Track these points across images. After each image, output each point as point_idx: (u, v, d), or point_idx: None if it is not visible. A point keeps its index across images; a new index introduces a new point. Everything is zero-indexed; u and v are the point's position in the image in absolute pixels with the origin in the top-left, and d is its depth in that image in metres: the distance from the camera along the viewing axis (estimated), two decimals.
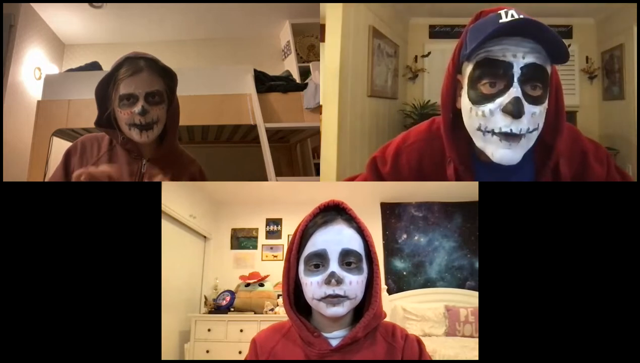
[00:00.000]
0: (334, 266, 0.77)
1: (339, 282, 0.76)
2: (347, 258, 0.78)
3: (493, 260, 1.07)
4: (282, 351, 0.83)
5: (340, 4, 2.74)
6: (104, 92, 1.30)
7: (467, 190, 3.48)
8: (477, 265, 3.58)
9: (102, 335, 1.05)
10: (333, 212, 0.83)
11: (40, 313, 1.05)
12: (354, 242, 0.80)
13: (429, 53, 4.29)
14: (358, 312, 0.83)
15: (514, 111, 0.86)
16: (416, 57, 4.35)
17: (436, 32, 4.34)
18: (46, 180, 1.38)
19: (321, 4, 2.85)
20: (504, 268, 1.06)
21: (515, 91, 0.87)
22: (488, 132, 0.90)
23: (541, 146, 0.98)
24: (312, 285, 0.78)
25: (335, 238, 0.79)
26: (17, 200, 1.09)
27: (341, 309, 0.77)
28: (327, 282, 0.76)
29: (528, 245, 1.06)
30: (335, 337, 0.81)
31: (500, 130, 0.88)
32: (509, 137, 0.88)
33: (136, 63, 1.28)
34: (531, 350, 1.03)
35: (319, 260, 0.78)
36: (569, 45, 4.17)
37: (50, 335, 1.04)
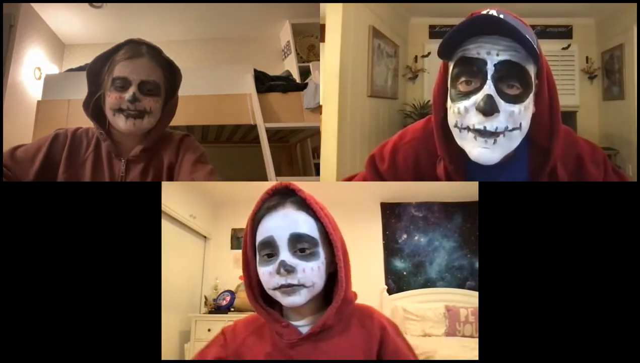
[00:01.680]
0: (284, 254, 0.74)
1: (290, 271, 0.73)
2: (300, 244, 0.74)
3: (493, 260, 1.07)
4: (251, 344, 0.81)
5: (340, 4, 2.74)
6: (98, 71, 1.20)
7: (467, 190, 3.48)
8: (477, 265, 3.58)
9: (102, 335, 1.05)
10: (283, 195, 0.78)
11: (40, 313, 1.05)
12: (305, 226, 0.75)
13: (429, 53, 4.29)
14: (328, 296, 0.79)
15: (486, 109, 0.86)
16: (416, 57, 4.35)
17: (436, 32, 4.34)
18: (19, 150, 1.22)
19: (321, 4, 2.85)
20: (504, 268, 1.06)
21: (488, 88, 0.87)
22: (464, 129, 0.90)
23: (535, 148, 0.98)
24: (265, 276, 0.75)
25: (282, 223, 0.75)
26: (17, 200, 1.09)
27: (298, 298, 0.74)
28: (278, 271, 0.73)
29: (528, 245, 1.06)
30: (305, 324, 0.79)
31: (474, 126, 0.88)
32: (484, 134, 0.88)
33: (137, 47, 1.18)
34: (531, 350, 1.03)
35: (270, 249, 0.75)
36: (569, 46, 4.17)
37: (51, 335, 1.04)
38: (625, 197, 1.05)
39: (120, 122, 1.16)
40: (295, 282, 0.73)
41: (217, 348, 0.83)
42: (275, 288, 0.75)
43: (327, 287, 0.79)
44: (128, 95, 1.14)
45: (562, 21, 4.20)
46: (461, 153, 0.97)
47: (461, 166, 0.99)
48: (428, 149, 1.05)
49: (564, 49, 4.16)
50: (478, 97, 0.87)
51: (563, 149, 0.99)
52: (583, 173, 1.02)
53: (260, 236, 0.77)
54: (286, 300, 0.74)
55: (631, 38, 3.58)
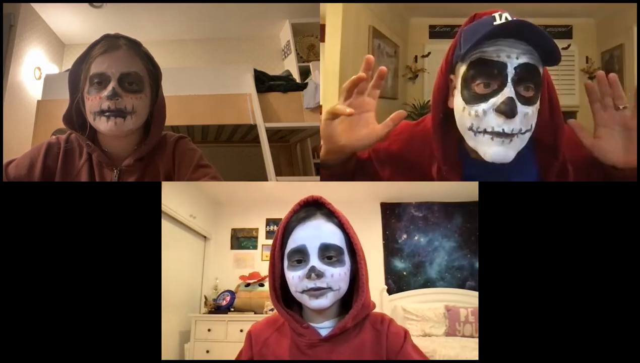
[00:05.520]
0: (314, 261, 0.79)
1: (319, 275, 0.78)
2: (327, 253, 0.80)
3: (493, 260, 1.07)
4: (274, 342, 0.87)
5: (340, 4, 2.74)
6: (77, 74, 1.12)
7: (467, 190, 3.48)
8: (477, 265, 3.58)
9: (102, 334, 1.05)
10: (312, 207, 0.85)
11: (40, 313, 1.05)
12: (333, 236, 0.82)
13: (429, 53, 4.29)
14: (345, 303, 0.85)
15: (507, 111, 0.87)
16: (416, 57, 4.36)
17: (436, 32, 4.35)
18: (12, 166, 1.15)
19: (321, 4, 2.85)
20: (504, 268, 1.06)
21: (508, 91, 0.88)
22: (480, 132, 0.90)
23: (541, 146, 0.99)
24: (294, 279, 0.80)
25: (313, 233, 0.81)
26: (17, 200, 1.09)
27: (324, 301, 0.79)
28: (308, 276, 0.79)
29: (528, 245, 1.06)
30: (324, 327, 0.84)
31: (492, 129, 0.89)
32: (501, 136, 0.89)
33: (114, 41, 1.10)
34: (531, 350, 1.03)
35: (300, 255, 0.81)
36: (569, 46, 4.18)
37: (51, 335, 1.04)
38: (625, 197, 1.05)
39: (102, 125, 1.07)
40: (324, 285, 0.79)
41: (246, 349, 0.90)
42: (303, 291, 0.80)
43: (345, 292, 0.84)
44: (107, 91, 1.05)
45: (562, 21, 4.20)
46: (457, 153, 0.97)
47: (455, 167, 1.00)
48: (412, 146, 1.06)
49: (564, 49, 4.17)
50: (498, 100, 0.88)
51: (567, 143, 0.99)
52: (584, 158, 1.00)
53: (292, 244, 0.82)
54: (313, 303, 0.79)
55: (631, 38, 3.59)
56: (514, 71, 0.88)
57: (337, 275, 0.80)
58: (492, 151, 0.90)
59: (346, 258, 0.82)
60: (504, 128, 0.88)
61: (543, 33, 0.88)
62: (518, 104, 0.88)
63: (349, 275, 0.83)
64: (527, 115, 0.89)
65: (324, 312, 0.83)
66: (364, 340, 0.83)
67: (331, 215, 0.84)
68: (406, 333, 0.85)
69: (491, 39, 0.89)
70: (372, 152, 1.11)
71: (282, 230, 0.84)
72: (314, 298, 0.79)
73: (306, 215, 0.84)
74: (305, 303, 0.81)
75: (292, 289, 0.82)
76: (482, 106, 0.89)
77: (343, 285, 0.81)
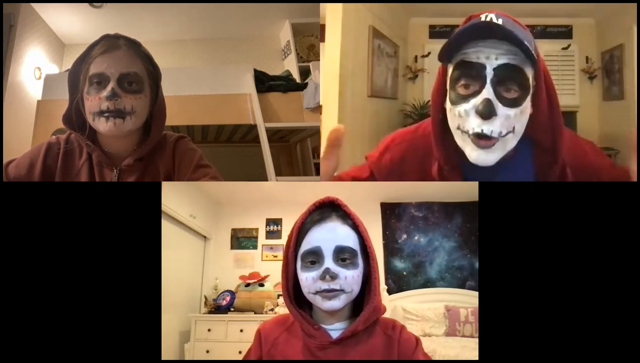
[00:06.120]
0: (328, 262, 0.80)
1: (334, 277, 0.79)
2: (342, 255, 0.81)
3: (493, 260, 1.07)
4: (284, 343, 0.86)
5: (340, 4, 2.74)
6: (76, 75, 1.12)
7: (467, 190, 3.48)
8: (477, 265, 3.58)
9: (102, 334, 1.05)
10: (328, 209, 0.85)
11: (40, 313, 1.05)
12: (348, 239, 0.82)
13: (429, 53, 4.29)
14: (356, 305, 0.85)
15: (484, 112, 0.87)
16: (416, 57, 4.36)
17: (436, 32, 4.35)
18: (12, 166, 1.14)
19: (321, 4, 2.85)
20: (504, 268, 1.06)
21: (486, 93, 0.88)
22: (464, 132, 0.91)
23: (539, 149, 0.98)
24: (308, 280, 0.80)
25: (329, 235, 0.82)
26: (18, 200, 1.09)
27: (337, 302, 0.79)
28: (322, 277, 0.79)
29: (528, 245, 1.06)
30: (335, 328, 0.84)
31: (473, 130, 0.89)
32: (481, 138, 0.89)
33: (114, 41, 1.10)
34: (531, 350, 1.03)
35: (314, 256, 0.81)
36: (569, 46, 4.17)
37: (51, 335, 1.04)
38: (626, 197, 1.05)
39: (101, 126, 1.07)
40: (337, 287, 0.79)
41: (255, 349, 0.89)
42: (316, 292, 0.80)
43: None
44: (106, 92, 1.05)
45: (562, 21, 4.20)
46: (456, 154, 0.97)
47: (455, 167, 1.00)
48: (415, 152, 1.07)
49: (564, 49, 4.17)
50: (477, 101, 0.88)
51: (568, 147, 0.99)
52: (588, 166, 1.01)
53: (306, 245, 0.82)
54: (326, 304, 0.79)
55: (631, 38, 3.59)
56: (492, 72, 0.88)
57: (351, 278, 0.80)
58: (475, 154, 0.90)
59: (360, 260, 0.83)
60: (483, 128, 0.88)
61: (512, 33, 0.87)
62: (499, 106, 0.87)
63: (362, 278, 0.83)
64: (509, 117, 0.88)
65: (336, 314, 0.83)
66: (374, 345, 0.83)
67: (346, 217, 0.85)
68: (418, 341, 0.86)
69: (469, 40, 0.89)
70: (374, 169, 1.12)
71: (297, 230, 0.84)
72: (327, 300, 0.79)
73: (321, 216, 0.83)
74: (318, 304, 0.81)
75: (305, 290, 0.82)
76: (464, 107, 0.90)
77: (356, 288, 0.81)
